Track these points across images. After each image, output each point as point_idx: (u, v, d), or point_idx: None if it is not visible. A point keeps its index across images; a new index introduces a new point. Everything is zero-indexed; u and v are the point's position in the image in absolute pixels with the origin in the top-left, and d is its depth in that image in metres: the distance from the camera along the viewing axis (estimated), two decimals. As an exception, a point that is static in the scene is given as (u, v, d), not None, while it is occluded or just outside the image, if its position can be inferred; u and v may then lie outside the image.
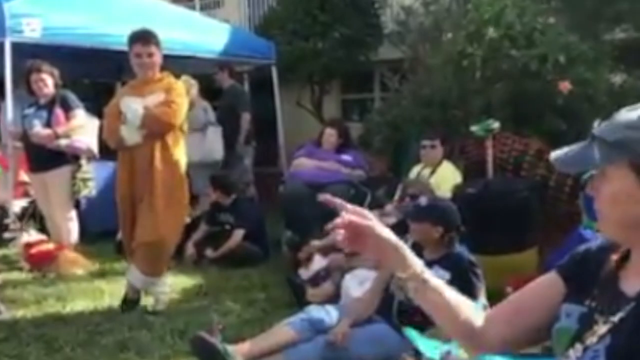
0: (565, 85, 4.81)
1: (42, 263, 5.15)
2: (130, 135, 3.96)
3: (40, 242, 5.34)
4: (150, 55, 3.98)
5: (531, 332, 1.34)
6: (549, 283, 1.35)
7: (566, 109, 4.94)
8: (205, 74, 7.07)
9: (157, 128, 3.97)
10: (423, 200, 3.37)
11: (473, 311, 1.39)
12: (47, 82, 5.22)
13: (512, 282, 3.77)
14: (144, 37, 3.98)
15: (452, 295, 1.38)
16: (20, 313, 4.09)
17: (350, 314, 3.22)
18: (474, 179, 4.72)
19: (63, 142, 5.18)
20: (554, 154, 1.25)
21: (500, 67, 5.28)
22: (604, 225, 1.23)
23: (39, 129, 5.15)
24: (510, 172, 4.97)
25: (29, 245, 5.28)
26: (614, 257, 1.27)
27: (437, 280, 1.38)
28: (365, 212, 1.37)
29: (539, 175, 4.76)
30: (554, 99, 5.00)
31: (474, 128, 4.69)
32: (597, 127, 1.19)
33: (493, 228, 4.15)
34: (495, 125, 4.60)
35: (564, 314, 1.27)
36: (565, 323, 1.25)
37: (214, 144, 6.57)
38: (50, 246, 5.30)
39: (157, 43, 4.01)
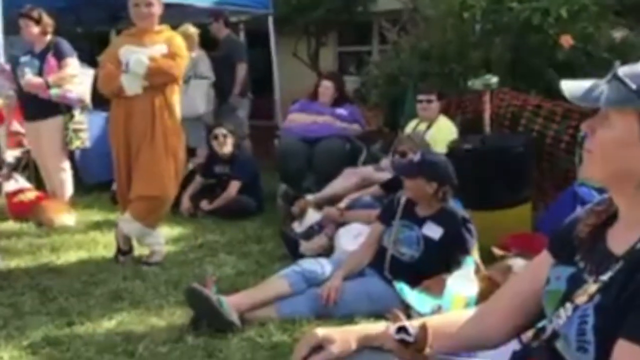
0: (567, 40, 4.74)
1: (22, 213, 5.15)
2: (131, 84, 3.89)
3: (20, 191, 5.31)
4: (148, 4, 3.89)
5: (537, 313, 1.34)
6: (541, 263, 1.35)
7: (566, 64, 4.87)
8: (201, 24, 6.94)
9: (161, 80, 3.92)
10: (416, 156, 3.35)
11: (466, 316, 1.40)
12: (32, 29, 5.12)
13: (504, 238, 3.81)
14: None
15: (441, 320, 1.40)
16: (14, 263, 4.10)
17: (344, 267, 3.24)
18: (470, 135, 4.70)
19: (54, 91, 5.11)
20: (565, 83, 1.21)
21: (501, 20, 5.19)
22: (593, 166, 1.20)
23: (30, 76, 5.08)
24: (507, 127, 4.94)
25: (11, 195, 5.26)
26: (600, 215, 1.26)
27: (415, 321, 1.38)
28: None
29: (535, 131, 4.73)
30: (554, 54, 4.93)
31: (471, 83, 4.64)
32: (621, 68, 1.15)
33: (488, 183, 4.15)
34: (494, 80, 4.55)
35: (554, 277, 1.27)
36: (554, 285, 1.26)
37: (195, 99, 6.45)
38: (31, 195, 5.28)
39: None
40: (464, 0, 5.36)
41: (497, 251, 3.57)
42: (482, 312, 1.42)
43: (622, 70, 1.14)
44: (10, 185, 5.31)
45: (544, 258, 1.34)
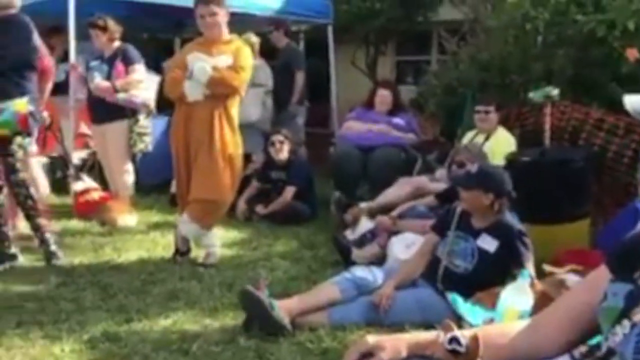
0: (633, 53, 4.60)
1: (88, 212, 5.35)
2: (192, 91, 4.01)
3: (87, 190, 5.51)
4: (212, 15, 4.01)
5: (591, 330, 1.32)
6: (599, 277, 1.33)
7: (630, 77, 4.74)
8: (261, 33, 7.06)
9: (222, 90, 4.02)
10: (473, 167, 3.32)
11: (519, 327, 1.40)
12: (99, 37, 5.33)
13: (561, 254, 3.73)
14: None
15: (493, 330, 1.38)
16: (77, 260, 4.27)
17: (396, 276, 3.24)
18: (530, 147, 4.62)
19: (121, 96, 5.31)
20: (629, 98, 1.19)
21: (565, 33, 5.09)
22: None
23: (98, 81, 5.29)
24: (568, 141, 4.83)
25: (79, 194, 5.47)
26: None
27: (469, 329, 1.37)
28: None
29: (597, 145, 4.61)
30: (618, 67, 4.81)
31: (532, 94, 4.57)
32: None
33: (546, 197, 4.07)
34: (555, 92, 4.47)
35: (610, 293, 1.25)
36: (611, 302, 1.23)
37: (248, 106, 6.53)
38: (96, 195, 5.48)
39: (218, 2, 4.02)
40: (527, 12, 5.28)
41: (547, 268, 3.49)
42: (535, 324, 1.40)
43: None
44: (78, 185, 5.52)
45: (602, 273, 1.32)
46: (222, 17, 4.06)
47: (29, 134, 4.08)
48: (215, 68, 3.97)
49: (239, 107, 4.18)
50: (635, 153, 4.31)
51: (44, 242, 4.15)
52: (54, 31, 5.97)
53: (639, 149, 4.18)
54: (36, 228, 4.15)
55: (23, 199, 4.06)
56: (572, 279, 3.06)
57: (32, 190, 4.09)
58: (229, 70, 4.02)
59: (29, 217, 4.15)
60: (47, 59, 4.45)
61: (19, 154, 4.02)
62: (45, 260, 4.14)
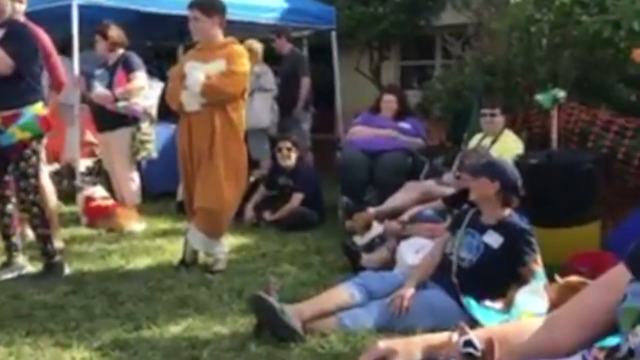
0: (639, 54, 4.59)
1: (97, 217, 5.35)
2: (189, 101, 4.01)
3: (102, 197, 5.51)
4: (195, 19, 4.00)
5: (606, 329, 1.31)
6: (616, 275, 1.31)
7: (637, 78, 4.73)
8: (265, 39, 7.08)
9: (217, 98, 3.99)
10: (483, 159, 3.35)
11: (534, 326, 1.39)
12: (100, 44, 5.35)
13: (572, 257, 3.71)
14: (191, 3, 4.02)
15: (507, 329, 1.37)
16: (86, 267, 4.27)
17: (413, 278, 3.24)
18: (537, 150, 4.60)
19: (121, 104, 5.31)
20: None
21: (570, 34, 5.08)
22: None
23: (99, 89, 5.30)
24: (576, 143, 4.82)
25: (90, 199, 5.47)
26: None
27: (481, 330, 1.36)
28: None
29: (606, 147, 4.59)
30: (624, 68, 4.80)
31: (538, 97, 4.57)
32: None
33: (555, 200, 4.06)
34: (561, 94, 4.46)
35: (630, 294, 1.23)
36: (632, 302, 1.22)
37: (260, 111, 6.56)
38: (108, 202, 5.49)
39: (203, 8, 3.99)
40: (531, 14, 5.28)
41: (559, 280, 3.47)
42: (551, 323, 1.39)
43: None
44: (90, 191, 5.52)
45: (621, 272, 1.31)
46: (206, 23, 4.01)
47: (42, 139, 4.07)
48: (208, 77, 3.94)
49: (248, 113, 4.16)
50: (644, 155, 4.30)
51: (45, 253, 4.04)
52: None
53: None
54: (39, 237, 4.06)
55: (29, 206, 3.99)
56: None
57: (40, 197, 4.07)
58: (221, 77, 3.98)
59: (33, 226, 4.08)
60: (61, 72, 4.47)
61: (33, 159, 3.98)
62: (46, 272, 4.03)
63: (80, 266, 4.28)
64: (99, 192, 5.55)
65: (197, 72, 3.96)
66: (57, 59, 4.54)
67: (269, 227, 5.41)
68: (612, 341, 1.31)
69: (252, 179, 5.86)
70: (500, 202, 3.26)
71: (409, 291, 3.14)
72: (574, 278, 3.16)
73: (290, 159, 5.63)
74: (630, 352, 1.18)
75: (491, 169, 3.30)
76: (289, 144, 5.66)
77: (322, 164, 6.93)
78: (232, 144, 4.06)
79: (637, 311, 1.20)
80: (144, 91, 5.48)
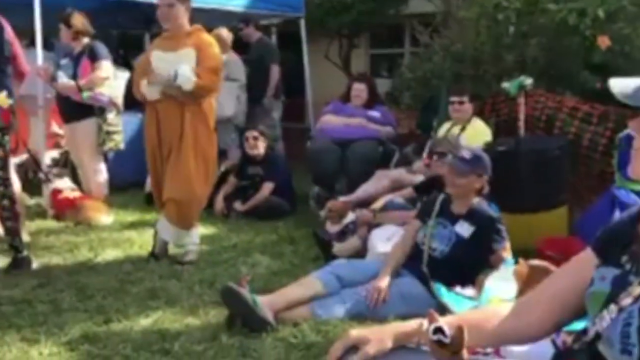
0: (604, 41, 4.66)
1: (65, 210, 5.26)
2: (150, 90, 3.96)
3: (69, 189, 5.42)
4: (169, 5, 3.93)
5: (577, 311, 1.33)
6: (584, 260, 1.33)
7: (602, 66, 4.80)
8: (234, 27, 7.00)
9: (206, 94, 4.00)
10: (466, 153, 3.35)
11: (503, 311, 1.40)
12: (64, 32, 5.23)
13: (540, 242, 3.76)
14: None
15: (477, 315, 1.38)
16: (54, 261, 4.19)
17: (387, 268, 3.24)
18: (505, 137, 4.65)
19: (85, 94, 5.20)
20: (614, 81, 1.19)
21: (536, 22, 5.14)
22: None
23: (62, 79, 5.19)
24: (542, 130, 4.88)
25: (57, 191, 5.38)
26: None
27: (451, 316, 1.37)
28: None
29: (571, 133, 4.66)
30: (590, 56, 4.87)
31: (506, 85, 4.60)
32: None
33: (523, 186, 4.11)
34: (528, 81, 4.50)
35: (598, 277, 1.26)
36: (598, 286, 1.24)
37: (224, 100, 6.47)
38: (76, 194, 5.40)
39: None
40: (499, 2, 5.32)
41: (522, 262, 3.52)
42: (520, 308, 1.41)
43: None
44: (58, 183, 5.41)
45: (588, 257, 1.33)
46: (180, 10, 3.95)
47: (8, 131, 3.96)
48: (198, 75, 3.88)
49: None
50: (609, 140, 4.37)
51: (14, 247, 3.97)
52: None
53: (614, 137, 4.23)
54: (7, 231, 3.98)
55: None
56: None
57: (10, 190, 3.97)
58: (209, 75, 3.94)
59: (2, 218, 3.99)
60: (23, 62, 4.37)
61: None
62: (13, 267, 3.96)
63: (48, 260, 4.20)
64: (66, 184, 5.45)
65: (186, 71, 3.86)
66: (19, 47, 4.42)
67: (240, 218, 5.39)
68: (578, 325, 1.34)
69: (222, 168, 5.82)
70: (477, 192, 3.30)
71: (384, 282, 3.14)
72: (536, 262, 3.21)
73: (257, 148, 5.60)
74: (598, 335, 1.20)
75: (479, 165, 3.31)
76: (255, 133, 5.62)
77: (293, 153, 6.90)
78: (202, 134, 4.02)
79: (604, 295, 1.22)
80: (109, 81, 5.37)
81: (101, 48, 5.33)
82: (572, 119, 4.70)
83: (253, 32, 7.11)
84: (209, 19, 6.16)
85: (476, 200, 3.31)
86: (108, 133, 5.35)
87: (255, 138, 5.61)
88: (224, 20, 7.00)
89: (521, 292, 2.71)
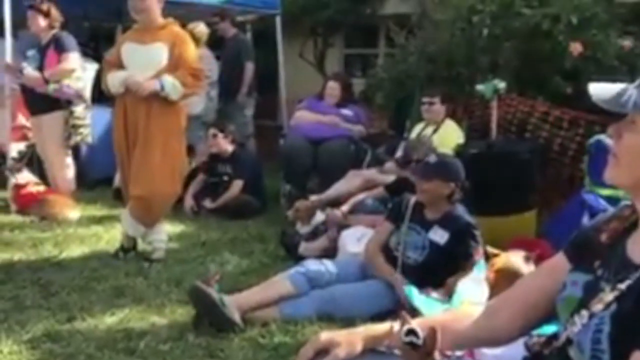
0: (576, 47, 4.72)
1: (28, 205, 5.13)
2: (113, 83, 3.90)
3: (27, 184, 5.28)
4: None
5: (546, 316, 1.32)
6: (556, 265, 1.33)
7: (574, 71, 4.85)
8: (208, 23, 6.92)
9: (190, 96, 4.09)
10: (432, 158, 3.33)
11: (475, 314, 1.39)
12: (39, 21, 5.10)
13: (510, 244, 3.78)
14: None
15: (449, 317, 1.38)
16: (17, 256, 4.08)
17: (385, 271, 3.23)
18: (476, 140, 4.68)
19: (51, 86, 5.09)
20: (594, 86, 1.19)
21: (511, 26, 5.17)
22: (617, 171, 1.19)
23: (28, 71, 5.06)
24: (514, 133, 4.92)
25: (20, 186, 5.24)
26: (622, 221, 1.24)
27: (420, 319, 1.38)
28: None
29: (542, 138, 4.71)
30: (562, 61, 4.92)
31: (479, 87, 4.63)
32: None
33: (494, 189, 4.12)
34: (502, 85, 4.53)
35: (570, 282, 1.25)
36: (570, 291, 1.24)
37: (193, 97, 6.39)
38: (39, 189, 5.27)
39: None
40: (473, 5, 5.35)
41: (490, 250, 3.53)
42: (491, 310, 1.40)
43: None
44: (20, 177, 5.28)
45: (560, 261, 1.32)
46: (152, 2, 3.87)
47: None
48: (184, 84, 3.85)
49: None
50: (579, 146, 4.42)
51: None
52: None
53: (584, 142, 4.28)
54: None
55: None
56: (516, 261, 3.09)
57: None
58: (194, 80, 3.93)
59: None
60: None
61: None
62: None
63: (10, 255, 4.09)
64: (30, 178, 5.32)
65: (167, 79, 3.81)
66: None
67: (209, 215, 5.32)
68: (548, 330, 1.33)
69: (192, 165, 5.75)
70: (451, 199, 3.26)
71: (398, 282, 3.12)
72: (513, 252, 3.22)
73: (218, 145, 5.54)
74: (569, 340, 1.19)
75: (444, 170, 3.25)
76: (214, 130, 5.58)
77: (265, 151, 6.86)
78: (170, 129, 3.94)
79: (576, 301, 1.21)
80: (77, 73, 5.25)
81: (68, 39, 5.21)
82: (543, 124, 4.75)
83: (229, 27, 7.05)
84: (183, 13, 6.08)
85: (451, 207, 3.27)
86: (75, 126, 5.23)
87: (215, 135, 5.55)
88: (198, 16, 6.92)
89: (492, 294, 2.72)
